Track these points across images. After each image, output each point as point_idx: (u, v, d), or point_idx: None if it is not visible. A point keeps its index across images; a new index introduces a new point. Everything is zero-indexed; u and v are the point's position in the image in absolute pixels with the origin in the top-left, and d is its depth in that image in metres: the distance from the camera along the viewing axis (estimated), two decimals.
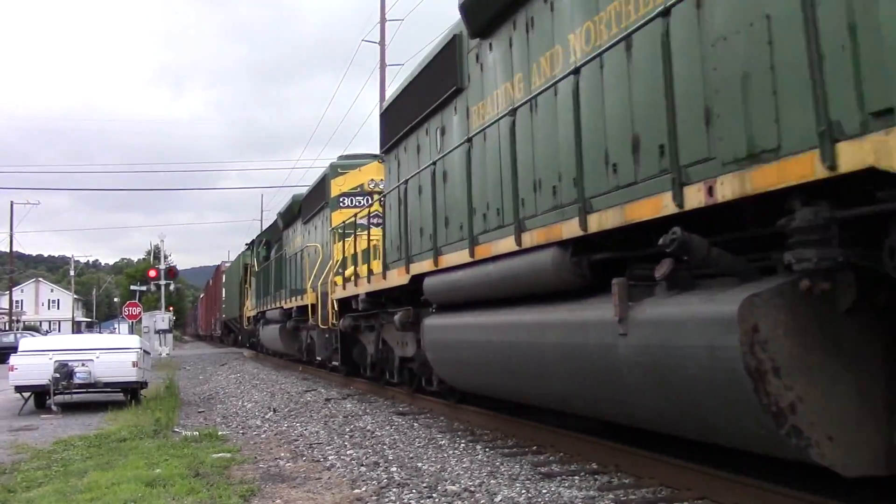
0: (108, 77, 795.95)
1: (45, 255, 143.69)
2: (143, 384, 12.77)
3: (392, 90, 13.17)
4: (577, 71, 5.49)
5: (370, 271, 11.24)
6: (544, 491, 5.31)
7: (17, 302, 70.62)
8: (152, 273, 37.76)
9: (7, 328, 50.22)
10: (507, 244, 6.61)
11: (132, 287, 43.18)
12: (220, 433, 8.72)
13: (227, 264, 39.95)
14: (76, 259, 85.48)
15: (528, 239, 6.26)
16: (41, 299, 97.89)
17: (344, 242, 13.26)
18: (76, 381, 11.47)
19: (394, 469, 6.24)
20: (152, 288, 37.79)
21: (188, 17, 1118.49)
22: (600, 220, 5.23)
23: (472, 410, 8.91)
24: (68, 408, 11.96)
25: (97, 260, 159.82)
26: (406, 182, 9.59)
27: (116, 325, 55.82)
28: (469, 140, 7.62)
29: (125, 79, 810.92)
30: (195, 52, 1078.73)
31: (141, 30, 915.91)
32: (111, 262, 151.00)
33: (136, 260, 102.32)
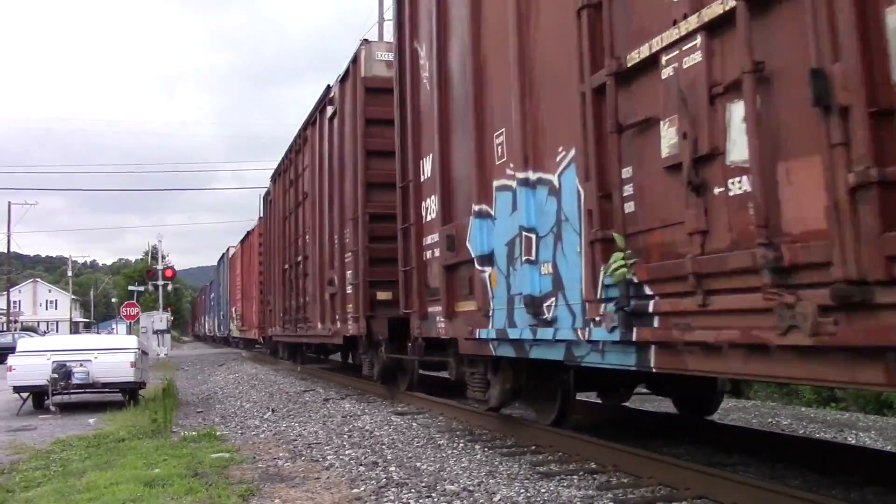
0: (104, 80, 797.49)
1: (43, 255, 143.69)
2: (142, 384, 12.75)
3: None
4: None
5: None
6: (543, 490, 5.32)
7: (14, 302, 70.55)
8: (150, 273, 37.76)
9: (5, 329, 50.12)
10: None
11: (130, 287, 43.17)
12: (218, 433, 8.71)
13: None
14: (74, 259, 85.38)
15: None
16: (39, 300, 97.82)
17: None
18: (74, 381, 11.44)
19: (392, 469, 6.24)
20: (150, 288, 37.76)
21: (179, 23, 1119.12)
22: None
23: (471, 410, 8.90)
24: (66, 408, 11.95)
25: (95, 260, 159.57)
26: None
27: (114, 326, 55.78)
28: None
29: (120, 82, 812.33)
30: (186, 58, 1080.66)
31: (135, 35, 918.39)
32: (109, 263, 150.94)
33: (133, 260, 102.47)
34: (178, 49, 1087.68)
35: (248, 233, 30.47)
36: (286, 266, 18.19)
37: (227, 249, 39.04)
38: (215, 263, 48.25)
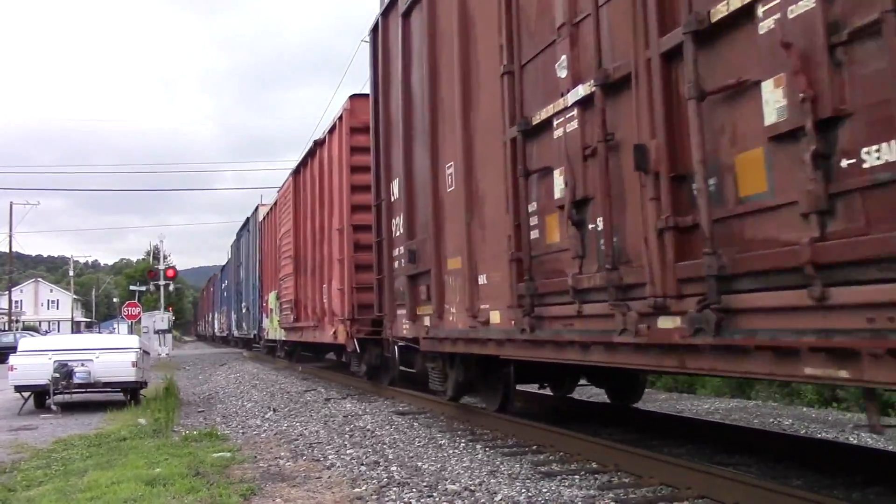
0: (104, 81, 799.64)
1: (45, 255, 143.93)
2: (143, 384, 12.77)
3: None
4: None
5: None
6: (544, 490, 5.31)
7: (16, 302, 70.55)
8: (152, 273, 37.76)
9: (6, 328, 50.17)
10: None
11: (131, 287, 43.17)
12: (219, 432, 8.72)
13: None
14: (75, 259, 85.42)
15: None
16: (40, 299, 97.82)
17: None
18: (76, 380, 11.46)
19: (394, 468, 6.24)
20: (151, 288, 37.78)
21: (178, 25, 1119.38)
22: None
23: (472, 410, 8.90)
24: (68, 407, 11.95)
25: (96, 260, 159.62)
26: None
27: (116, 326, 55.77)
28: None
29: (120, 83, 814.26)
30: (186, 59, 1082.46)
31: (135, 37, 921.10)
32: (110, 263, 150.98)
33: (135, 260, 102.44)
34: (177, 50, 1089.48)
35: (317, 143, 15.28)
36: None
37: (256, 209, 25.82)
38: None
